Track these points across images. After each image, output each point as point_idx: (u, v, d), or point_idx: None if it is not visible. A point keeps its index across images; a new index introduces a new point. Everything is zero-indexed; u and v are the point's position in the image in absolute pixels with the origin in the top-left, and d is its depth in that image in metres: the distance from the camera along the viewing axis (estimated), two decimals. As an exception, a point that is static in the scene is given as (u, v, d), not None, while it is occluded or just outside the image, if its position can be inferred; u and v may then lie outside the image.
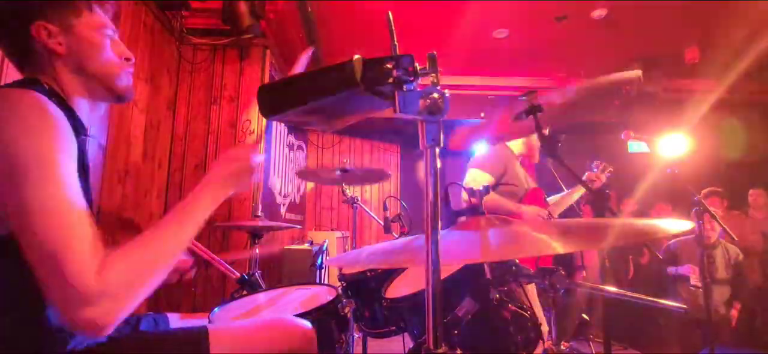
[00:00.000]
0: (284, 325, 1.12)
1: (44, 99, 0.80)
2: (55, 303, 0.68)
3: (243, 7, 2.89)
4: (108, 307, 0.69)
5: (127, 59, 1.02)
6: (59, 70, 0.93)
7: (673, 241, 3.70)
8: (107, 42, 0.98)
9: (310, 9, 3.39)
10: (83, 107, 0.97)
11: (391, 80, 0.62)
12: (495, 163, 2.43)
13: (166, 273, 0.80)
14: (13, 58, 0.94)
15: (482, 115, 2.65)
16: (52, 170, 0.73)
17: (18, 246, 0.71)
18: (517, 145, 2.58)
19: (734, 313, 3.37)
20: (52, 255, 0.68)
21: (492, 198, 2.32)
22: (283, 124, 4.16)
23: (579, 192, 2.60)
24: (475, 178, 2.39)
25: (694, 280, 3.47)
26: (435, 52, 0.63)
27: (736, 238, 2.85)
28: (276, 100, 0.67)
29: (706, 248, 3.43)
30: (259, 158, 1.00)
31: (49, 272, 0.68)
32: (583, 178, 2.51)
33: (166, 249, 0.80)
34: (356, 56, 0.61)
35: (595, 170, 2.63)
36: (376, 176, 2.54)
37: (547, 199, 2.60)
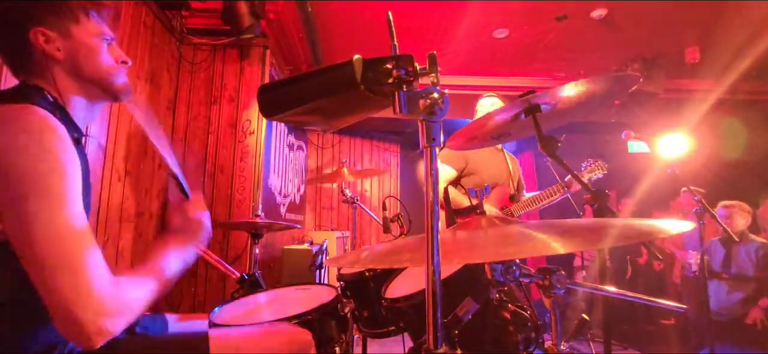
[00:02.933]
0: (284, 332, 1.14)
1: (45, 114, 0.81)
2: (64, 310, 0.72)
3: (243, 7, 2.89)
4: (119, 320, 0.77)
5: (124, 63, 1.02)
6: (56, 74, 0.93)
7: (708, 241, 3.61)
8: (104, 47, 0.99)
9: (310, 9, 3.39)
10: (80, 107, 0.98)
11: (391, 80, 0.62)
12: (457, 157, 2.50)
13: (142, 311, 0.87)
14: (10, 63, 0.95)
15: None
16: (59, 193, 0.76)
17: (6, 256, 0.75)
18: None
19: (758, 312, 3.28)
20: (70, 266, 0.73)
21: (453, 193, 2.40)
22: (283, 124, 4.16)
23: (557, 195, 2.49)
24: (439, 172, 2.40)
25: (695, 265, 3.47)
26: (435, 53, 0.63)
27: (736, 239, 2.85)
28: (276, 100, 0.67)
29: (722, 242, 3.42)
30: (206, 218, 1.07)
31: (64, 281, 0.73)
32: (566, 179, 2.46)
33: (154, 290, 0.88)
34: (356, 56, 0.61)
35: (583, 169, 2.57)
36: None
37: (526, 196, 2.59)
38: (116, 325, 0.77)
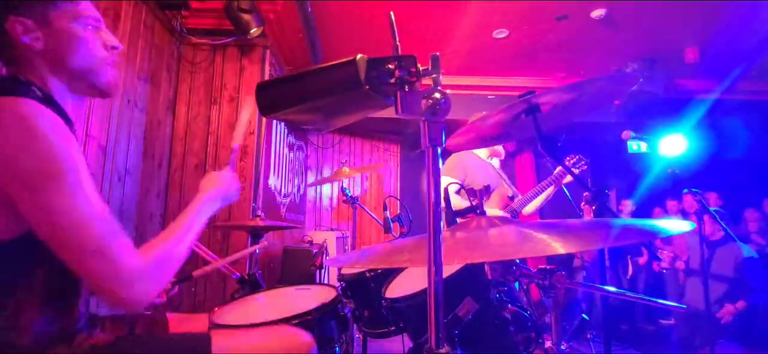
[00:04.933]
0: (285, 334, 1.14)
1: (37, 104, 0.80)
2: (105, 289, 0.80)
3: (245, 12, 2.89)
4: (149, 285, 0.84)
5: (114, 48, 0.96)
6: (39, 66, 0.87)
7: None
8: (89, 33, 0.91)
9: (310, 9, 3.39)
10: (68, 102, 0.93)
11: (393, 80, 0.62)
12: (457, 170, 2.65)
13: (182, 263, 0.93)
14: None
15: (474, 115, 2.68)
16: (71, 181, 0.79)
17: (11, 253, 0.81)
18: (483, 152, 2.80)
19: (730, 308, 3.35)
20: (100, 250, 0.79)
21: (456, 200, 2.49)
22: (283, 124, 4.16)
23: (548, 191, 2.65)
24: (445, 184, 2.48)
25: (665, 263, 3.50)
26: (438, 53, 0.63)
27: (737, 240, 2.85)
28: (275, 98, 0.67)
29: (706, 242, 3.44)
30: (238, 183, 1.17)
31: (99, 265, 0.78)
32: (555, 171, 2.60)
33: (181, 244, 0.94)
34: (359, 55, 0.61)
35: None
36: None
37: (518, 197, 2.73)
38: (153, 287, 0.84)
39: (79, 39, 0.89)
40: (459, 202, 2.50)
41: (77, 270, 0.79)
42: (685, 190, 2.71)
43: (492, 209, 2.54)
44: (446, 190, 1.29)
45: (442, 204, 1.06)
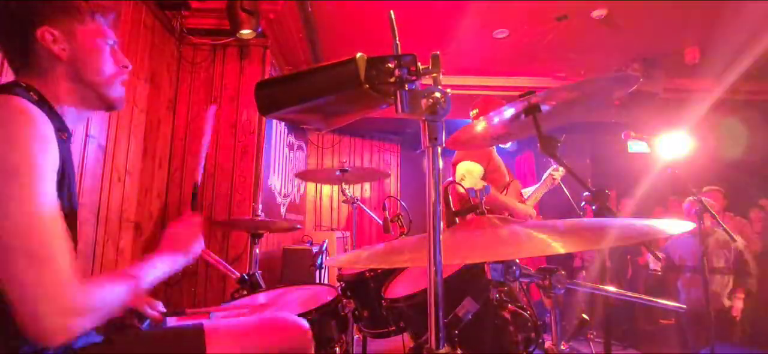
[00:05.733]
0: (281, 323, 1.12)
1: (26, 103, 0.81)
2: (29, 303, 0.71)
3: (241, 11, 2.89)
4: (82, 320, 0.75)
5: (125, 67, 1.04)
6: (58, 75, 0.94)
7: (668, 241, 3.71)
8: (107, 50, 1.00)
9: (310, 9, 3.39)
10: (71, 114, 0.98)
11: (393, 79, 0.61)
12: (482, 155, 2.53)
13: (113, 314, 0.85)
14: (11, 60, 0.95)
15: (471, 113, 2.69)
16: (30, 182, 0.75)
17: None
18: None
19: (738, 303, 3.36)
20: (39, 256, 0.72)
21: (493, 195, 2.38)
22: (283, 124, 4.16)
23: (547, 185, 2.72)
24: (470, 169, 2.44)
25: (653, 264, 3.52)
26: (438, 52, 0.63)
27: (736, 239, 2.85)
28: (275, 97, 0.66)
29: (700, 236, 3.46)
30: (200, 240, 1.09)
31: (32, 271, 0.71)
32: (545, 177, 2.68)
33: (125, 296, 0.87)
34: (359, 54, 0.60)
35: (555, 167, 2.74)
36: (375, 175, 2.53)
37: (522, 190, 2.75)
38: (78, 326, 0.74)
39: (98, 54, 0.98)
40: (497, 196, 2.44)
41: (3, 275, 0.72)
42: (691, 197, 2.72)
43: (511, 199, 2.52)
44: (446, 189, 1.29)
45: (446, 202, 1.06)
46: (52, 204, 0.78)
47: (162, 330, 1.09)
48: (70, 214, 0.89)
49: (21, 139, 0.77)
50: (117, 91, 1.03)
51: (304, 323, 1.14)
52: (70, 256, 0.77)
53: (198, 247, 1.07)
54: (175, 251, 1.02)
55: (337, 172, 2.45)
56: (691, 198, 2.57)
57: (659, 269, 3.45)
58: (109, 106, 1.03)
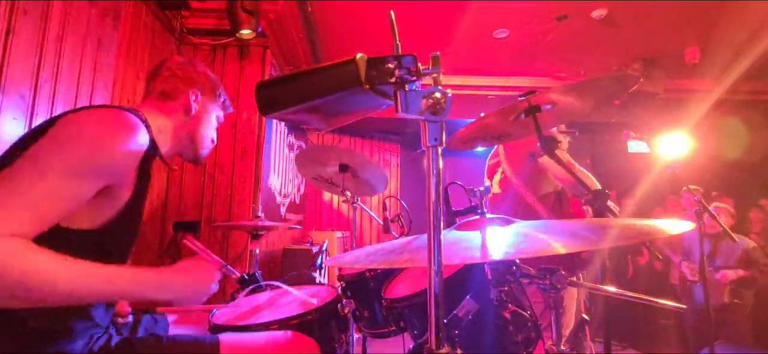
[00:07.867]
0: (292, 340, 1.17)
1: (133, 120, 0.95)
2: None
3: (240, 10, 2.89)
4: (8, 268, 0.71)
5: (213, 142, 1.30)
6: (178, 121, 1.18)
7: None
8: (215, 125, 1.30)
9: (310, 9, 3.39)
10: (167, 150, 1.18)
11: (393, 79, 0.61)
12: (497, 151, 2.53)
13: (64, 303, 0.79)
14: (162, 94, 1.17)
15: (482, 115, 2.67)
16: (67, 171, 0.82)
17: None
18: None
19: (731, 274, 3.40)
20: (3, 195, 0.76)
21: (570, 161, 2.05)
22: (283, 124, 4.16)
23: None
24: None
25: (691, 275, 3.53)
26: (438, 52, 0.63)
27: (736, 240, 2.85)
28: (275, 97, 0.66)
29: (709, 237, 3.47)
30: (215, 285, 1.05)
31: None
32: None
33: (89, 288, 0.81)
34: (359, 54, 0.60)
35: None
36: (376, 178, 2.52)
37: None
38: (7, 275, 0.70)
39: (209, 125, 1.27)
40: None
41: None
42: (685, 188, 2.73)
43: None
44: (446, 189, 1.29)
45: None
46: (62, 197, 0.82)
47: (177, 338, 1.09)
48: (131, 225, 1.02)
49: (108, 143, 0.89)
50: (204, 154, 1.28)
51: (313, 342, 1.20)
52: (32, 230, 0.76)
53: (203, 296, 1.01)
54: (175, 282, 0.97)
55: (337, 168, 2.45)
56: (686, 188, 2.56)
57: (697, 279, 3.48)
58: (195, 160, 1.27)
